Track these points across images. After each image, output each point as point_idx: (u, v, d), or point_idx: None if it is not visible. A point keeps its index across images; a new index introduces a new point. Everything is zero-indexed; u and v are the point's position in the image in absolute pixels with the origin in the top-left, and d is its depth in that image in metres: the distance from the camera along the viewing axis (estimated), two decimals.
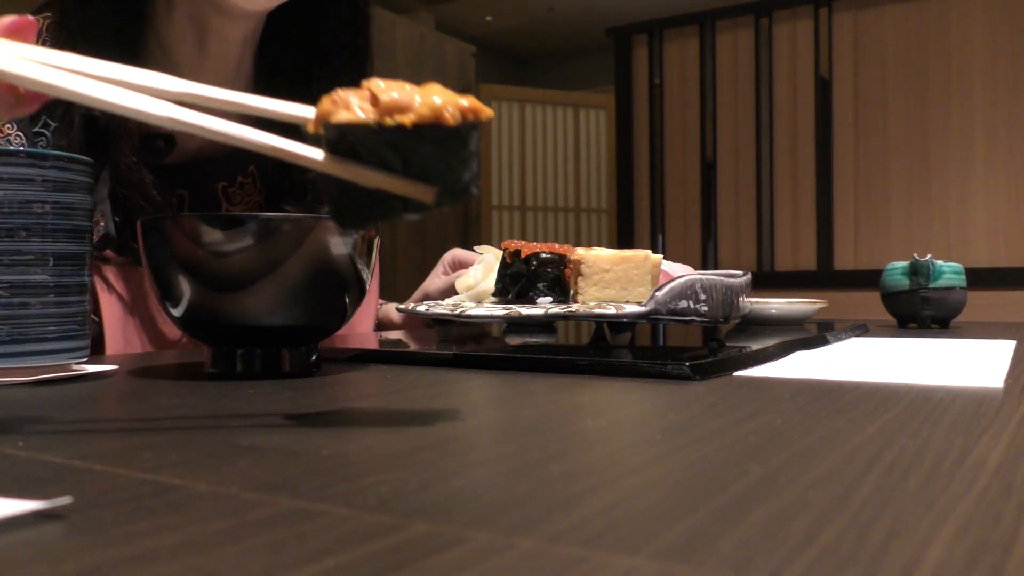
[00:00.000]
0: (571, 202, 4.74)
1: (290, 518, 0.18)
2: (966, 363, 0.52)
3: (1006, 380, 0.43)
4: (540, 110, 4.66)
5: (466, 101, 0.28)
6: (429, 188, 0.28)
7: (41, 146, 0.66)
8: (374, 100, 0.28)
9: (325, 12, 0.75)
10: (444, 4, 4.70)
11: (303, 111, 0.29)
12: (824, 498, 0.20)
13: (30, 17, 0.28)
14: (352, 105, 0.28)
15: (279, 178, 0.77)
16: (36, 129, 0.66)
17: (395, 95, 0.27)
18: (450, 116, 0.28)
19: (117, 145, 0.64)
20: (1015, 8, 2.70)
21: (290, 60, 0.76)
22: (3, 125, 0.63)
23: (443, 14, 4.73)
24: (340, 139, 0.27)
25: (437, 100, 0.28)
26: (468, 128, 0.28)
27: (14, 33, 0.27)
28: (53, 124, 0.66)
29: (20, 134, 0.65)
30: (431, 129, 0.27)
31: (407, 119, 0.27)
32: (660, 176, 3.33)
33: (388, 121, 0.27)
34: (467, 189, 0.29)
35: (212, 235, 0.43)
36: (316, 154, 0.28)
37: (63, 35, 0.67)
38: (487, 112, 0.29)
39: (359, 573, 0.15)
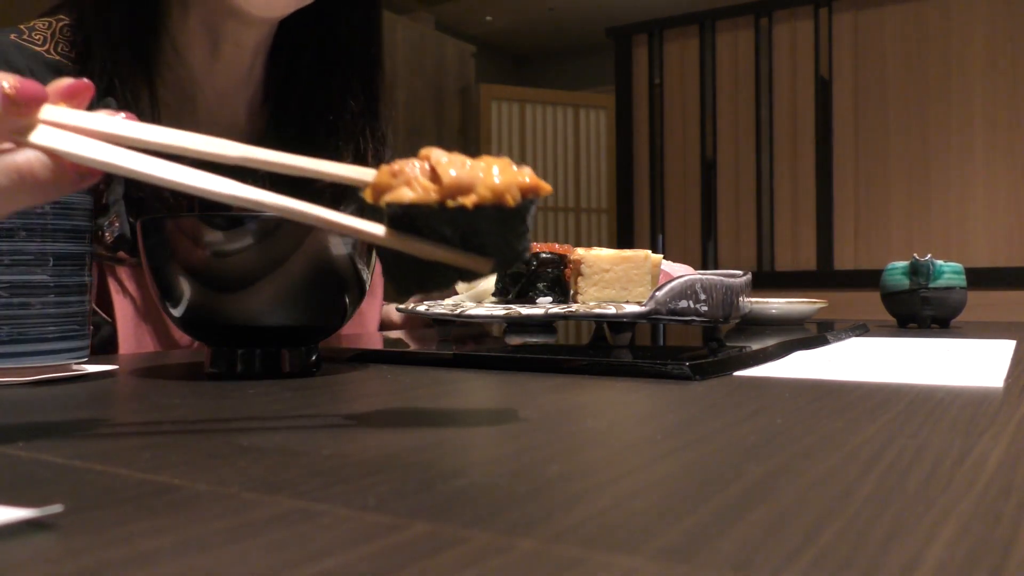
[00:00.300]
0: (571, 202, 4.74)
1: (290, 518, 0.18)
2: (966, 363, 0.52)
3: (1006, 380, 0.43)
4: (540, 110, 4.66)
5: (527, 177, 0.29)
6: (485, 260, 0.29)
7: None
8: (434, 176, 0.28)
9: (337, 21, 0.75)
10: (444, 4, 4.70)
11: (361, 173, 0.29)
12: (824, 498, 0.20)
13: (86, 80, 0.28)
14: (413, 181, 0.28)
15: (288, 185, 0.78)
16: None
17: (455, 173, 0.28)
18: (511, 199, 0.28)
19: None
20: (1015, 8, 2.70)
21: (302, 67, 0.77)
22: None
23: (443, 14, 4.73)
24: (401, 215, 0.28)
25: (498, 180, 0.28)
26: (527, 205, 0.29)
27: (70, 98, 0.27)
28: None
29: None
30: (492, 209, 0.28)
31: (469, 201, 0.28)
32: (660, 176, 3.33)
33: (450, 203, 0.28)
34: (520, 257, 0.30)
35: (212, 235, 0.43)
36: (377, 229, 0.28)
37: (79, 37, 0.66)
38: (546, 188, 0.29)
39: (359, 573, 0.15)
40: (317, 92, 0.76)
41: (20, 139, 0.26)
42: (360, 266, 0.47)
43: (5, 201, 0.25)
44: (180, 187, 0.27)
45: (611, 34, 3.45)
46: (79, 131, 0.27)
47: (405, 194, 0.28)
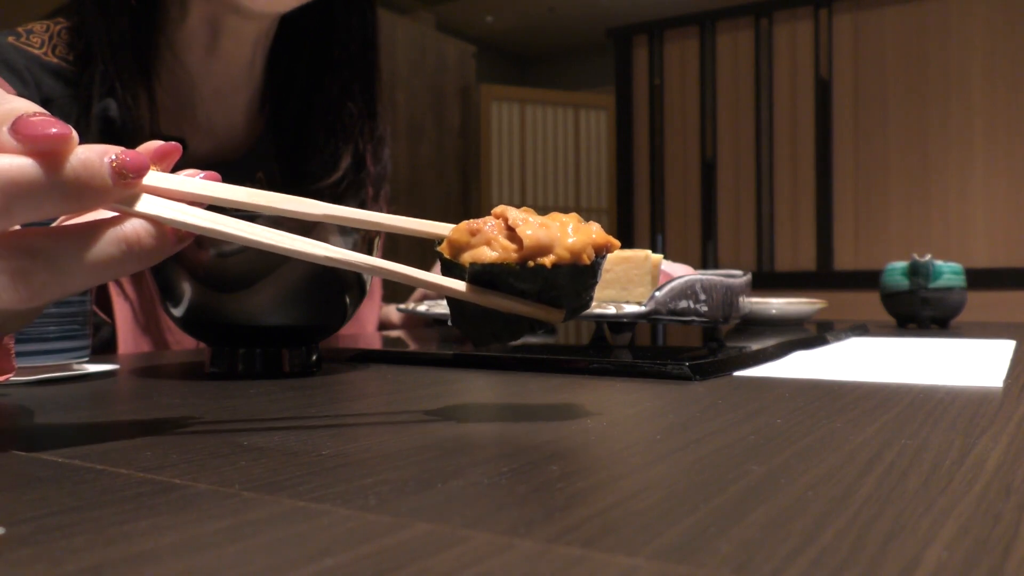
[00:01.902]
0: (571, 202, 4.74)
1: (290, 518, 0.18)
2: (966, 363, 0.52)
3: (1006, 380, 0.43)
4: (540, 110, 4.66)
5: (597, 235, 0.30)
6: (559, 311, 0.31)
7: None
8: (512, 236, 0.30)
9: (334, 24, 0.76)
10: (444, 4, 4.70)
11: (438, 228, 0.31)
12: (824, 498, 0.20)
13: (175, 143, 0.30)
14: (492, 241, 0.30)
15: (286, 187, 0.79)
16: None
17: (533, 234, 0.29)
18: (587, 258, 0.30)
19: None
20: (1015, 8, 2.70)
21: (300, 70, 0.78)
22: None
23: (443, 14, 4.73)
24: (481, 273, 0.30)
25: (574, 240, 0.30)
26: (599, 261, 0.31)
27: (159, 160, 0.29)
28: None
29: None
30: (569, 267, 0.30)
31: (548, 261, 0.29)
32: (660, 176, 3.33)
33: (531, 263, 0.29)
34: (588, 305, 0.32)
35: None
36: (458, 284, 0.30)
37: (80, 41, 0.67)
38: (615, 244, 0.31)
39: (359, 573, 0.15)
40: (315, 94, 0.77)
41: (125, 209, 0.26)
42: None
43: (114, 270, 0.26)
44: (275, 249, 0.28)
45: (611, 34, 3.45)
46: (172, 194, 0.28)
47: (486, 253, 0.30)
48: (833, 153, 2.97)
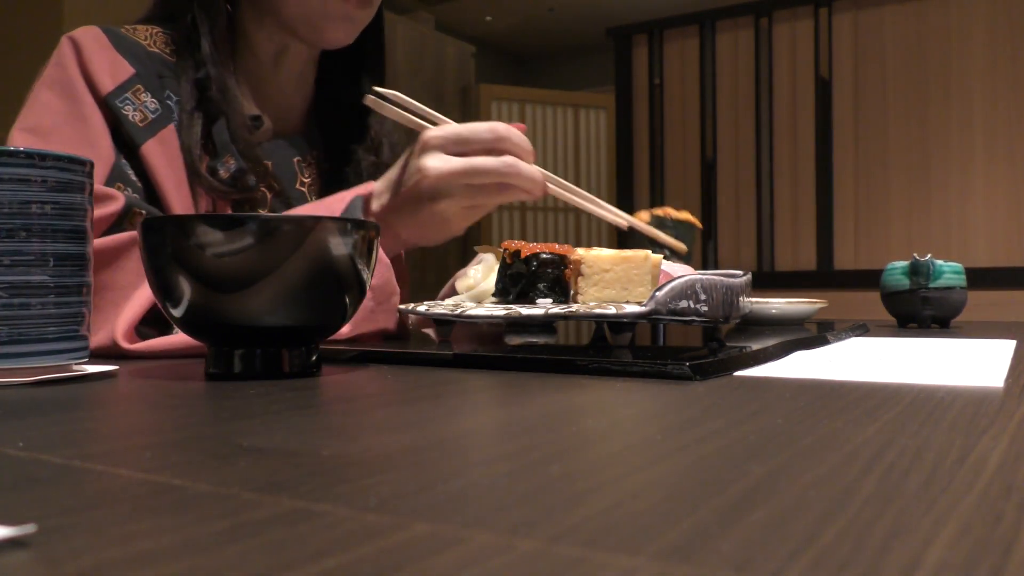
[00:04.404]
0: None
1: (290, 518, 0.18)
2: (966, 363, 0.52)
3: (1006, 380, 0.43)
4: (540, 110, 4.66)
5: None
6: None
7: (165, 113, 0.76)
8: None
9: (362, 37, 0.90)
10: (444, 4, 4.70)
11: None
12: (824, 498, 0.20)
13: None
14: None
15: (330, 160, 0.95)
16: (163, 99, 0.77)
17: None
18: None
19: (235, 126, 0.79)
20: (1015, 8, 2.70)
21: (336, 71, 0.94)
22: (133, 87, 0.75)
23: (443, 14, 4.73)
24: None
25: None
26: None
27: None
28: (176, 97, 0.77)
29: (151, 96, 0.76)
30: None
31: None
32: (660, 176, 3.33)
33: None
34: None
35: (212, 235, 0.43)
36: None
37: (182, 39, 0.80)
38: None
39: (359, 573, 0.15)
40: (347, 90, 0.92)
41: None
42: (360, 266, 0.47)
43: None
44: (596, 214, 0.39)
45: (611, 34, 3.45)
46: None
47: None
48: (833, 153, 2.97)
